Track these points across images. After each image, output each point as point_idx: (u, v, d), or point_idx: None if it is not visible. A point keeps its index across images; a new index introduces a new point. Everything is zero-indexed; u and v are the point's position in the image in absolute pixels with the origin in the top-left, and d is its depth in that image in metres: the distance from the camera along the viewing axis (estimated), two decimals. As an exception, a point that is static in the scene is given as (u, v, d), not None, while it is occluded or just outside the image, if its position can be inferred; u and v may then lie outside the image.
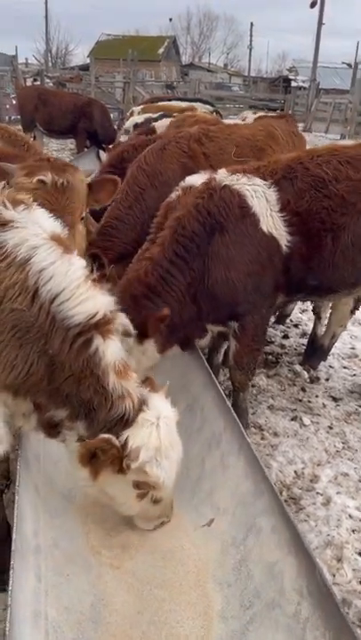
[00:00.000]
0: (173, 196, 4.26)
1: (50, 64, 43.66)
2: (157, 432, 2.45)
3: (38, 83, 22.18)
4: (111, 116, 15.93)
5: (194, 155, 5.13)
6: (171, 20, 74.64)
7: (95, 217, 5.47)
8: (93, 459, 2.38)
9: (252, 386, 4.60)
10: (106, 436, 2.37)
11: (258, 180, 3.56)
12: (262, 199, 3.51)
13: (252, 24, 69.88)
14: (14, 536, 2.24)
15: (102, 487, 2.55)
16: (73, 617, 2.37)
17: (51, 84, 22.96)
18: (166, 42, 59.42)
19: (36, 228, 2.34)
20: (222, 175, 3.64)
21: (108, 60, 41.37)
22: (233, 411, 3.14)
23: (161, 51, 57.07)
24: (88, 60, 32.02)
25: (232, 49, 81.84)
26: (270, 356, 5.22)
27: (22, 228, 2.30)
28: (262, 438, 3.97)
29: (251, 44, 68.50)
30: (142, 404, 2.51)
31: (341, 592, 2.81)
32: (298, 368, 5.03)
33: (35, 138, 13.09)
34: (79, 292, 2.31)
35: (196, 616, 2.48)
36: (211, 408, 3.35)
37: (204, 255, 3.47)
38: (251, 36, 68.77)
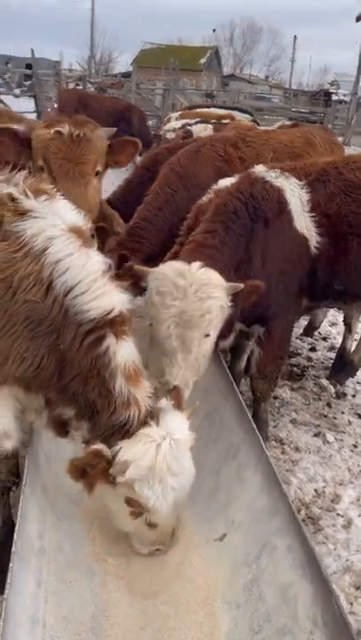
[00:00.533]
0: (205, 199, 4.15)
1: (93, 71, 44.30)
2: (156, 451, 2.27)
3: (80, 87, 22.47)
4: (150, 122, 15.99)
5: (229, 159, 5.01)
6: (214, 30, 75.01)
7: (124, 217, 5.43)
8: (84, 473, 2.26)
9: (275, 398, 4.45)
10: (96, 448, 2.26)
11: (293, 179, 3.49)
12: (297, 198, 3.43)
13: (295, 37, 69.79)
14: (15, 537, 2.14)
15: (101, 496, 2.44)
16: (72, 627, 2.26)
17: (92, 89, 23.21)
18: (208, 52, 59.72)
19: (55, 219, 2.26)
20: (261, 170, 3.54)
21: (150, 68, 41.76)
22: (253, 422, 3.00)
23: (203, 61, 57.37)
24: (131, 68, 32.32)
25: (274, 61, 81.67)
26: (296, 369, 5.06)
27: (41, 219, 2.22)
28: (283, 453, 3.81)
29: (293, 57, 68.37)
30: (150, 417, 2.36)
31: (358, 622, 2.63)
32: (324, 382, 4.85)
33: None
34: (95, 286, 2.22)
35: (202, 636, 2.35)
36: (230, 417, 3.21)
37: (247, 237, 3.30)
38: (294, 48, 68.65)
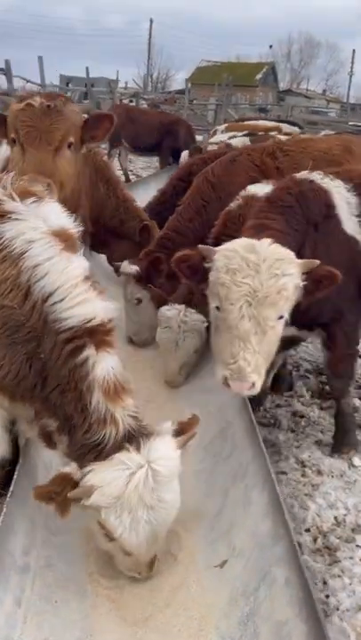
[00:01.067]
0: (233, 205, 4.03)
1: (150, 88, 45.20)
2: (127, 480, 2.10)
3: (133, 104, 22.87)
4: (200, 137, 16.03)
5: (265, 169, 4.81)
6: (271, 47, 75.02)
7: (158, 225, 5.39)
8: (51, 499, 2.13)
9: (301, 417, 4.21)
10: (63, 472, 2.15)
11: (339, 182, 3.31)
12: (343, 201, 3.25)
13: (353, 51, 68.81)
14: (-8, 552, 2.06)
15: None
16: (52, 651, 2.14)
17: (145, 105, 23.58)
18: (265, 68, 59.80)
19: (36, 222, 2.20)
20: (304, 173, 3.37)
21: (205, 85, 42.14)
22: (262, 442, 2.81)
23: (259, 76, 57.47)
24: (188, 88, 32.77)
25: (332, 75, 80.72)
26: (327, 387, 4.79)
27: (21, 221, 2.17)
28: (303, 475, 3.56)
29: (352, 71, 67.33)
30: (129, 441, 2.18)
31: (370, 667, 2.38)
32: (357, 403, 4.56)
33: (120, 154, 13.39)
34: (75, 292, 2.12)
35: (191, 671, 2.18)
36: (242, 435, 3.04)
37: (302, 234, 3.08)
38: (352, 62, 67.62)
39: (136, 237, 5.31)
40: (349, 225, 3.25)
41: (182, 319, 3.97)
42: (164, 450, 2.22)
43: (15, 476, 2.42)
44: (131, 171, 15.16)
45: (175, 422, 2.42)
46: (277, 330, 2.71)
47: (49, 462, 2.84)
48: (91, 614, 2.36)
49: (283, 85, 68.21)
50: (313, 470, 3.63)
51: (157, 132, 12.99)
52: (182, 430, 2.36)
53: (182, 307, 4.00)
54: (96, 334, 2.17)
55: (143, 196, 7.49)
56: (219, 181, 4.64)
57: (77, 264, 2.21)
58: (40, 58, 16.29)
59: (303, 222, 3.14)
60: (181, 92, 35.70)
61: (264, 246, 2.69)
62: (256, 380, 2.60)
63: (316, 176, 3.36)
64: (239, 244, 2.74)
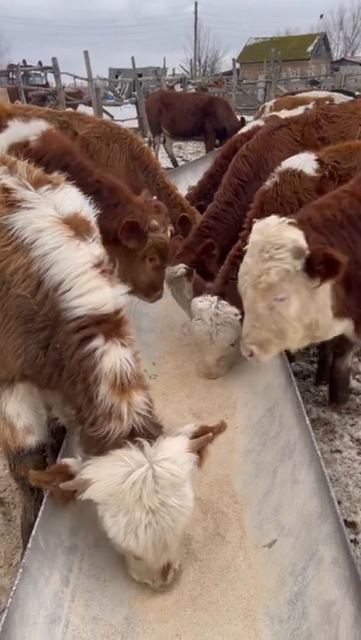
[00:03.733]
0: (269, 183, 3.79)
1: (198, 72, 44.68)
2: (124, 478, 1.98)
3: (182, 90, 22.67)
4: (251, 117, 15.68)
5: (307, 142, 4.41)
6: (322, 16, 72.19)
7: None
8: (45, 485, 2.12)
9: (357, 394, 4.06)
10: (60, 463, 2.13)
11: None
12: None
13: None
14: (34, 532, 2.10)
15: None
16: (100, 629, 2.17)
17: (193, 90, 23.34)
18: (316, 39, 57.62)
19: (45, 210, 2.18)
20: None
21: (255, 63, 41.15)
22: (308, 420, 2.70)
23: (310, 49, 55.46)
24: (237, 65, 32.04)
25: (389, 40, 76.71)
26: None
27: (30, 209, 2.16)
28: (359, 453, 3.44)
29: None
30: (131, 439, 2.08)
31: None
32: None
33: (164, 141, 13.34)
34: (81, 280, 2.08)
35: (239, 651, 2.15)
36: (289, 414, 2.95)
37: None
38: None
39: (177, 228, 5.20)
40: None
41: (214, 312, 3.74)
42: (173, 452, 2.09)
43: (60, 458, 2.45)
44: (180, 157, 15.08)
45: (198, 425, 2.32)
46: (281, 311, 2.72)
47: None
48: (139, 593, 2.37)
49: (336, 55, 65.60)
50: (370, 449, 3.49)
51: (193, 115, 12.71)
52: (204, 433, 2.25)
53: (215, 298, 3.79)
54: (105, 324, 2.11)
55: (191, 181, 7.40)
56: (256, 158, 4.35)
57: (85, 251, 2.17)
58: (86, 52, 16.41)
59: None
60: (230, 73, 35.14)
61: (269, 228, 2.72)
62: (254, 349, 2.85)
63: None
64: (265, 222, 2.79)
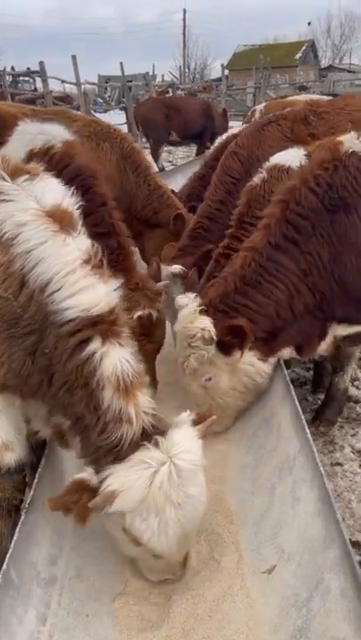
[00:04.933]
0: (257, 180, 3.67)
1: (187, 79, 44.68)
2: (150, 480, 1.89)
3: (170, 94, 22.56)
4: (240, 123, 15.63)
5: (298, 138, 4.35)
6: (309, 23, 72.74)
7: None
8: (69, 509, 1.92)
9: (356, 402, 3.86)
10: (77, 478, 1.95)
11: None
12: None
13: None
14: (5, 565, 1.86)
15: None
16: (81, 672, 1.94)
17: (182, 95, 23.21)
18: (304, 46, 57.91)
19: (27, 202, 1.97)
20: (351, 140, 3.00)
21: (244, 70, 41.14)
22: (309, 432, 2.49)
23: (298, 56, 55.69)
24: (226, 72, 31.99)
25: (376, 47, 77.27)
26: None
27: (10, 202, 1.95)
28: (361, 466, 3.23)
29: (396, 40, 64.27)
30: (147, 438, 1.97)
31: None
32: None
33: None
34: (72, 279, 1.90)
35: None
36: (287, 425, 2.74)
37: (325, 236, 2.87)
38: None
39: (171, 227, 5.03)
40: None
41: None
42: (184, 443, 2.01)
43: (35, 481, 2.22)
44: (170, 162, 14.93)
45: (191, 413, 2.20)
46: (212, 388, 3.07)
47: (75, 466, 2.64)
48: (126, 629, 2.14)
49: (324, 62, 65.99)
50: (372, 460, 3.28)
51: (202, 118, 12.77)
52: (200, 420, 2.16)
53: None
54: (101, 324, 1.94)
55: (181, 185, 7.21)
56: (247, 154, 4.22)
57: (73, 247, 1.98)
58: (74, 57, 16.22)
59: (324, 218, 2.86)
60: (219, 80, 35.15)
61: (184, 318, 3.01)
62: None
63: (355, 142, 2.98)
64: (181, 313, 3.08)
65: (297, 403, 2.70)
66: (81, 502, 1.88)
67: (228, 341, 2.88)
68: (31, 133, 3.61)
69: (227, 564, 2.38)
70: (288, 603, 2.07)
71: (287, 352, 3.13)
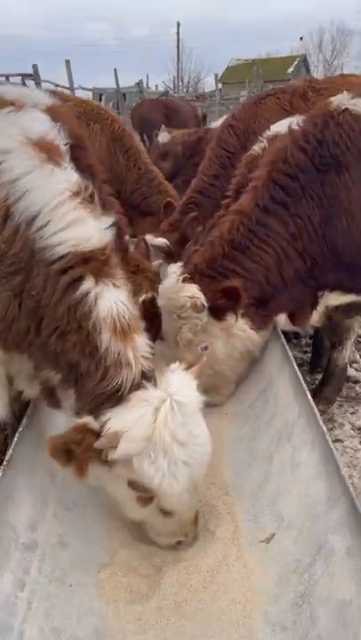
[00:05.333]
0: (257, 148, 3.55)
1: (180, 91, 44.93)
2: (153, 417, 1.78)
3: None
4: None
5: (296, 112, 4.30)
6: (301, 38, 73.47)
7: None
8: (70, 454, 1.78)
9: (356, 382, 3.73)
10: (79, 422, 1.80)
11: None
12: None
13: (388, 35, 66.52)
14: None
15: (98, 482, 1.96)
16: (63, 642, 1.76)
17: (175, 103, 23.24)
18: (296, 61, 58.52)
19: (10, 129, 1.84)
20: (343, 98, 2.86)
21: (236, 83, 41.47)
22: (309, 395, 2.35)
23: (290, 70, 56.23)
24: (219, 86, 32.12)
25: (367, 62, 78.13)
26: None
27: None
28: (362, 443, 3.09)
29: (387, 56, 65.07)
30: (144, 379, 1.86)
31: None
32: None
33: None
34: (61, 212, 1.76)
35: (234, 666, 1.75)
36: (285, 391, 2.59)
37: (315, 198, 2.73)
38: (387, 47, 65.42)
39: (161, 215, 4.90)
40: None
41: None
42: (182, 382, 1.90)
43: (16, 439, 2.06)
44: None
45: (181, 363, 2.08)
46: (209, 357, 2.77)
47: (64, 426, 2.47)
48: (112, 601, 1.97)
49: (316, 76, 66.67)
50: (373, 437, 3.14)
51: (193, 119, 12.74)
52: (190, 367, 2.05)
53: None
54: (92, 262, 1.81)
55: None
56: (243, 127, 4.11)
57: (62, 177, 1.85)
58: (67, 62, 16.24)
59: (314, 178, 2.71)
60: (213, 92, 35.36)
61: (169, 290, 2.85)
62: (208, 398, 2.53)
63: (357, 102, 2.86)
64: (163, 285, 2.96)
65: (295, 366, 2.56)
66: (84, 443, 1.75)
67: (221, 305, 2.74)
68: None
69: (222, 535, 2.22)
70: (288, 570, 1.92)
71: (281, 320, 3.00)
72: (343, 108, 2.76)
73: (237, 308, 2.74)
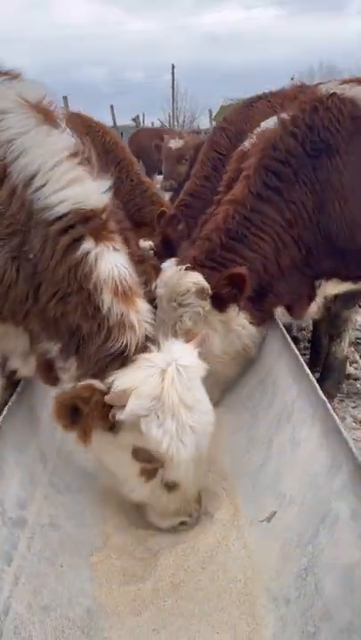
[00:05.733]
0: (247, 144, 3.55)
1: (176, 128, 45.94)
2: (160, 378, 1.75)
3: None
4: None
5: None
6: (292, 78, 75.60)
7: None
8: (75, 414, 1.72)
9: (356, 379, 3.66)
10: (86, 382, 1.75)
11: None
12: None
13: (378, 75, 68.61)
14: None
15: (99, 456, 1.89)
16: (52, 622, 1.65)
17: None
18: (288, 100, 60.27)
19: (6, 91, 1.84)
20: (331, 84, 2.89)
21: (230, 121, 42.29)
22: (309, 371, 2.29)
23: (283, 109, 57.86)
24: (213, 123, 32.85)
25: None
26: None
27: None
28: (365, 434, 3.01)
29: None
30: (149, 344, 1.85)
31: None
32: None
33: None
34: (59, 171, 1.74)
35: (236, 643, 1.64)
36: (285, 376, 2.52)
37: (308, 183, 2.71)
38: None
39: (155, 225, 4.91)
40: None
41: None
42: (185, 349, 1.89)
43: (5, 413, 1.98)
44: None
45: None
46: (205, 351, 2.54)
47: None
48: (105, 582, 1.86)
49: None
50: (376, 429, 3.06)
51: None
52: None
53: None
54: (92, 221, 1.78)
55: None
56: (236, 129, 4.13)
57: (59, 137, 1.84)
58: (65, 98, 16.59)
59: (306, 163, 2.69)
60: (207, 130, 36.15)
61: (170, 278, 2.74)
62: None
63: (345, 87, 2.89)
64: (164, 275, 2.84)
65: (294, 348, 2.50)
66: (93, 400, 1.70)
67: (225, 294, 2.64)
68: None
69: (221, 516, 2.13)
70: (291, 545, 1.82)
71: (279, 313, 2.95)
72: (331, 92, 2.79)
73: (241, 298, 2.65)
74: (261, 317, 2.84)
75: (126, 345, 1.79)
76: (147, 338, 1.86)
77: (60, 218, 1.74)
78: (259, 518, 2.04)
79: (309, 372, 2.25)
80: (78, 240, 1.76)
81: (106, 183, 1.89)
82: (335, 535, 1.66)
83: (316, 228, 2.75)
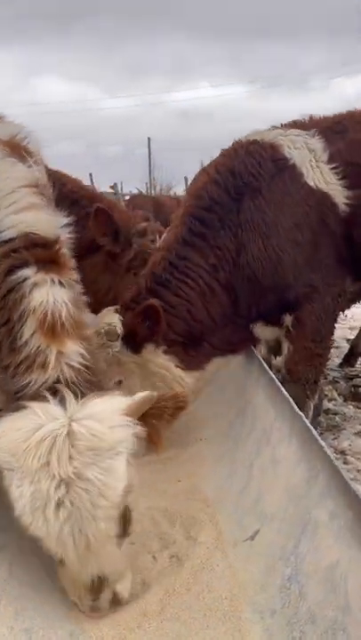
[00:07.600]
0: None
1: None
2: (30, 434, 1.51)
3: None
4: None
5: None
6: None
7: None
8: None
9: (335, 414, 3.72)
10: None
11: (295, 131, 2.98)
12: (304, 149, 2.89)
13: None
14: None
15: None
16: (35, 642, 1.61)
17: (148, 205, 24.55)
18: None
19: None
20: (252, 133, 3.05)
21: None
22: (290, 399, 2.30)
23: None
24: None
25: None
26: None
27: None
28: (345, 462, 3.05)
29: None
30: (53, 393, 1.64)
31: None
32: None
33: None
34: (15, 197, 1.79)
35: (223, 657, 1.62)
36: (262, 402, 2.58)
37: (232, 227, 2.78)
38: None
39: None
40: (315, 176, 2.86)
41: None
42: (101, 409, 1.60)
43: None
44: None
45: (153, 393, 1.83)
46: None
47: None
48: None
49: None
50: (356, 457, 3.11)
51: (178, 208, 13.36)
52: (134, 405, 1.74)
53: None
54: (39, 249, 1.78)
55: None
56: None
57: (24, 169, 1.93)
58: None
59: (231, 208, 2.77)
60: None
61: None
62: None
63: (264, 133, 3.03)
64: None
65: (272, 374, 2.57)
66: None
67: (139, 332, 2.61)
68: None
69: (205, 540, 2.12)
70: (274, 559, 1.83)
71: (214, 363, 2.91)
72: (252, 139, 2.94)
73: (156, 335, 2.61)
74: (193, 362, 2.79)
75: (27, 384, 1.65)
76: (58, 381, 1.67)
77: (6, 242, 1.78)
78: (242, 538, 2.05)
79: (286, 393, 2.31)
80: (19, 266, 1.76)
81: (63, 220, 1.94)
82: (315, 542, 1.68)
83: (240, 271, 2.79)
